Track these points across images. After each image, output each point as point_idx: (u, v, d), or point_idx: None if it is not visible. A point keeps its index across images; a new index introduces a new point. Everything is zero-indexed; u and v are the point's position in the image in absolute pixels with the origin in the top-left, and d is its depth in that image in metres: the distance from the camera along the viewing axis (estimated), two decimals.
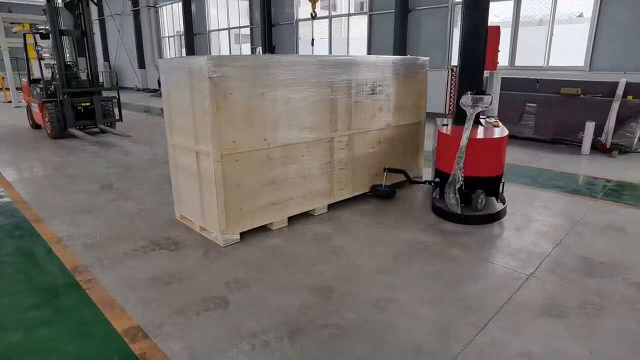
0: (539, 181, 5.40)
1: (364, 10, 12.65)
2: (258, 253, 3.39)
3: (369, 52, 12.55)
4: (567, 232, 3.78)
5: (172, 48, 22.20)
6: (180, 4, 19.54)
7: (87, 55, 8.59)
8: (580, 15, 9.49)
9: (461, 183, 3.95)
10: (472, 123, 4.03)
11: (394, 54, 11.55)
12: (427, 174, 5.49)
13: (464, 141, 3.89)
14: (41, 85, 8.69)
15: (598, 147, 6.97)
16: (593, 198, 4.74)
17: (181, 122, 3.66)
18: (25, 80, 9.81)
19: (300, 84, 3.73)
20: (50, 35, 8.24)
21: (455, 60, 10.66)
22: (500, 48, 4.62)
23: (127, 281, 2.96)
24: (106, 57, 25.57)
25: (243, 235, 3.62)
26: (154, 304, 2.68)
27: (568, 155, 6.83)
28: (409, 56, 5.07)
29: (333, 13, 13.76)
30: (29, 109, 9.74)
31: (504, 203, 4.23)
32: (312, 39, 13.42)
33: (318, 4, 9.83)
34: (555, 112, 7.42)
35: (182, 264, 3.21)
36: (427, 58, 5.07)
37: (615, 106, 6.81)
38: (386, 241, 3.59)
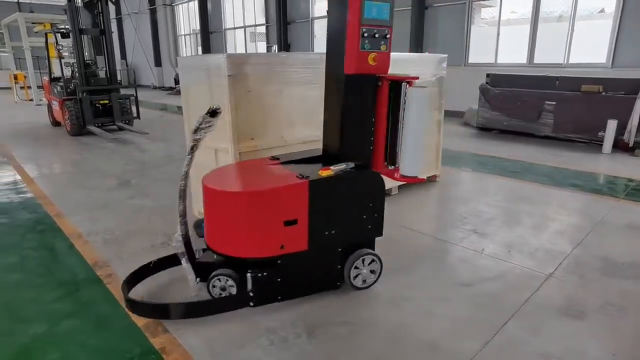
0: (557, 180, 5.31)
1: None
2: None
3: None
4: (587, 232, 3.71)
5: (189, 46, 22.42)
6: (196, 2, 19.70)
7: (105, 53, 8.74)
8: (602, 11, 9.29)
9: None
10: (193, 155, 2.59)
11: (409, 52, 11.47)
12: (445, 172, 5.45)
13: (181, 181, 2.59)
14: (61, 84, 8.88)
15: (620, 146, 6.82)
16: (615, 198, 4.64)
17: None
18: (46, 78, 10.03)
19: (316, 82, 3.71)
20: (70, 34, 8.39)
21: (472, 58, 10.59)
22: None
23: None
24: (123, 55, 25.95)
25: None
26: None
27: (588, 154, 6.69)
28: (427, 53, 5.02)
29: None
30: (49, 106, 9.96)
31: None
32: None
33: None
34: (574, 110, 7.27)
35: None
36: (446, 55, 5.02)
37: (639, 103, 6.64)
38: (404, 241, 3.57)
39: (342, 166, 2.59)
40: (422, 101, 2.57)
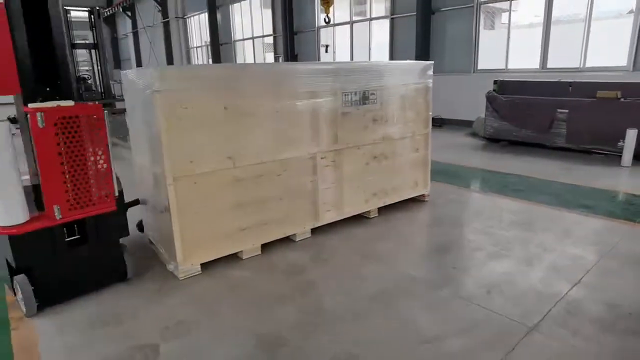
0: (565, 199, 4.69)
1: (386, 14, 12.13)
2: (216, 288, 2.98)
3: (391, 57, 12.00)
4: (590, 267, 3.13)
5: (200, 58, 22.50)
6: (206, 14, 19.73)
7: (98, 67, 8.61)
8: (631, 11, 8.53)
9: None
10: None
11: (415, 59, 10.94)
12: (436, 189, 4.91)
13: None
14: None
15: None
16: (630, 222, 4.01)
17: (140, 141, 3.34)
18: None
19: (271, 96, 3.32)
20: None
21: (481, 64, 9.99)
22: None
23: (62, 321, 2.62)
24: (139, 66, 26.32)
25: (207, 265, 3.23)
26: (75, 352, 2.33)
27: (604, 168, 6.01)
28: (409, 61, 4.56)
29: (355, 18, 13.31)
30: None
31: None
32: (326, 46, 13.07)
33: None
34: (590, 118, 6.60)
35: (131, 300, 2.85)
36: (431, 62, 4.51)
37: None
38: (369, 279, 3.08)
39: None
40: None
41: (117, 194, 2.82)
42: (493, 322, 2.49)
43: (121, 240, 3.05)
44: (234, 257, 3.38)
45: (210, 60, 20.64)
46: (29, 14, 2.62)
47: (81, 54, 10.13)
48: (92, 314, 2.69)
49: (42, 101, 2.59)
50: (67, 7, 7.97)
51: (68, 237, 2.76)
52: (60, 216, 2.58)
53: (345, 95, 3.78)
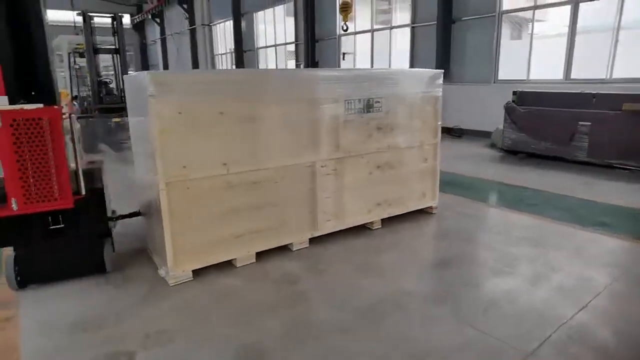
0: (581, 216, 4.45)
1: (403, 22, 12.02)
2: (205, 296, 2.93)
3: (412, 66, 11.86)
4: (601, 289, 2.92)
5: (225, 65, 22.86)
6: (231, 22, 20.07)
7: (118, 72, 8.82)
8: None
9: None
10: None
11: (435, 68, 10.76)
12: (446, 201, 4.75)
13: None
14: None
15: None
16: None
17: (138, 145, 3.35)
18: (67, 96, 10.33)
19: (269, 102, 3.27)
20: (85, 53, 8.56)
21: (502, 74, 9.74)
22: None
23: (46, 324, 2.62)
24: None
25: (200, 271, 3.19)
26: (54, 357, 2.31)
27: (628, 184, 5.70)
28: (417, 69, 4.44)
29: (376, 26, 13.25)
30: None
31: None
32: (343, 54, 13.03)
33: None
34: (614, 131, 6.29)
35: (117, 304, 2.83)
36: (441, 71, 4.39)
37: None
38: (362, 291, 2.97)
39: None
40: None
41: (83, 192, 2.94)
42: (486, 345, 2.34)
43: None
44: (228, 265, 3.33)
45: (234, 67, 20.94)
46: (13, 25, 2.75)
47: (106, 59, 10.36)
48: (77, 316, 2.68)
49: (23, 103, 2.68)
50: (91, 14, 8.23)
51: (53, 226, 2.93)
52: (17, 208, 2.72)
53: (348, 102, 3.70)
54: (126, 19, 29.75)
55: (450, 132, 10.59)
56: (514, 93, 7.69)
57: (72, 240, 3.04)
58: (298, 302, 2.84)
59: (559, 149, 6.95)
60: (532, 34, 9.24)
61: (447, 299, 2.84)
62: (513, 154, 7.68)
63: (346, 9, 9.22)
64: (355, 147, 3.84)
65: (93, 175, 3.25)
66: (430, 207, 4.60)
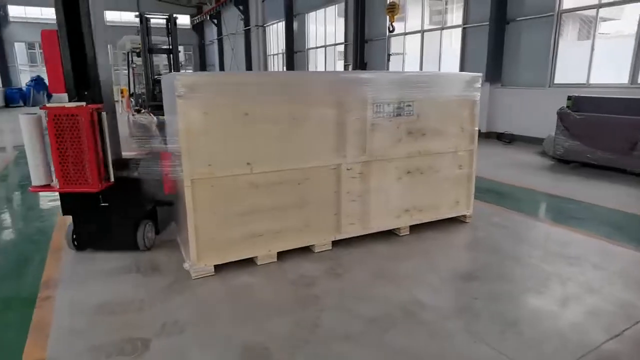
0: (631, 234, 4.09)
1: (456, 23, 11.63)
2: (223, 292, 3.02)
3: (462, 67, 11.45)
4: None
5: (276, 65, 23.33)
6: (284, 23, 20.45)
7: (172, 71, 9.29)
8: None
9: None
10: None
11: (486, 70, 10.34)
12: (482, 210, 4.56)
13: None
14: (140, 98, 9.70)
15: None
16: None
17: (171, 142, 3.50)
18: (127, 93, 11.05)
19: (294, 104, 3.31)
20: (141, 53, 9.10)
21: (560, 78, 9.16)
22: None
23: (77, 305, 2.83)
24: (221, 71, 28.03)
25: (222, 267, 3.29)
26: (78, 336, 2.49)
27: None
28: (453, 72, 4.29)
29: (427, 27, 12.93)
30: (128, 118, 10.91)
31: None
32: (389, 55, 12.82)
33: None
34: None
35: (142, 292, 2.99)
36: (479, 74, 4.21)
37: None
38: (375, 299, 2.92)
39: None
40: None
41: (111, 179, 3.32)
42: None
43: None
44: (249, 262, 3.41)
45: (285, 68, 21.32)
46: (71, 39, 3.25)
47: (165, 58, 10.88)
48: (104, 300, 2.87)
49: (76, 101, 3.10)
50: (147, 15, 8.73)
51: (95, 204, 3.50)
52: (58, 187, 3.22)
53: (377, 106, 3.65)
54: (186, 20, 31.22)
55: (500, 138, 10.13)
56: (569, 98, 7.21)
57: (110, 218, 3.54)
58: (309, 304, 2.84)
59: (617, 160, 6.42)
60: (594, 34, 8.59)
61: (464, 314, 2.73)
62: (565, 162, 7.20)
63: (393, 9, 9.08)
64: (383, 151, 3.79)
65: (128, 166, 3.47)
66: (464, 216, 4.42)
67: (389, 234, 4.03)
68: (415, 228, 4.13)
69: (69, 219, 3.63)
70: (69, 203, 3.50)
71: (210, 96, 3.00)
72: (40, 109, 3.22)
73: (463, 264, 3.55)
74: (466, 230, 4.26)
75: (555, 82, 9.22)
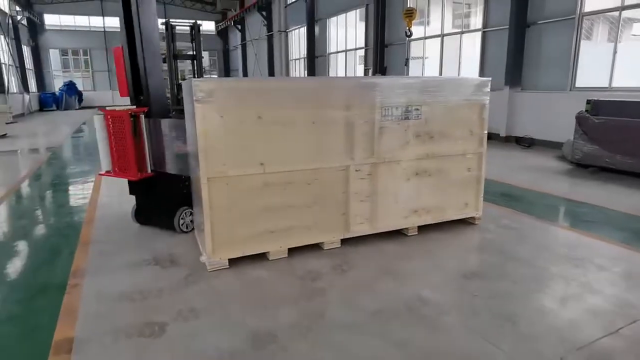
0: None
1: (477, 27, 11.61)
2: (235, 284, 3.22)
3: (481, 71, 11.43)
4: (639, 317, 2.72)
5: (298, 70, 23.65)
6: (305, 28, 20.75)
7: (194, 76, 9.63)
8: None
9: None
10: None
11: (505, 74, 10.31)
12: (494, 212, 4.62)
13: None
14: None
15: None
16: None
17: (191, 143, 3.74)
18: None
19: (305, 108, 3.49)
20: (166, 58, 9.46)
21: (579, 82, 9.05)
22: None
23: (102, 292, 3.08)
24: (245, 76, 28.58)
25: (235, 261, 3.50)
26: (102, 319, 2.73)
27: None
28: (462, 76, 4.39)
29: (446, 31, 12.94)
30: None
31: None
32: (406, 59, 12.88)
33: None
34: None
35: (161, 282, 3.22)
36: (489, 79, 4.29)
37: None
38: (379, 294, 3.06)
39: None
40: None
41: (148, 171, 4.12)
42: (490, 358, 2.33)
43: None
44: (261, 257, 3.60)
45: (306, 72, 21.61)
46: (131, 54, 4.10)
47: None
48: (127, 288, 3.11)
49: (135, 105, 4.19)
50: (172, 22, 9.10)
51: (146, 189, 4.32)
52: (113, 174, 4.15)
53: (385, 109, 3.79)
54: (211, 26, 31.99)
55: (519, 142, 10.06)
56: (588, 102, 7.15)
57: (159, 202, 4.28)
58: (314, 297, 3.01)
59: (637, 164, 6.33)
60: (617, 37, 8.47)
61: (463, 310, 2.83)
62: (583, 167, 7.14)
63: (410, 14, 9.17)
64: (391, 153, 3.92)
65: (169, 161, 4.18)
66: (473, 218, 4.50)
67: (397, 234, 4.15)
68: (423, 228, 4.24)
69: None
70: (133, 186, 4.34)
71: (226, 100, 3.22)
72: (99, 110, 4.16)
73: (467, 264, 3.64)
74: (474, 231, 4.34)
75: (577, 85, 9.12)
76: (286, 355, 2.36)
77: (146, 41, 4.03)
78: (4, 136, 12.81)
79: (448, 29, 12.88)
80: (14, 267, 3.70)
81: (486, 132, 4.38)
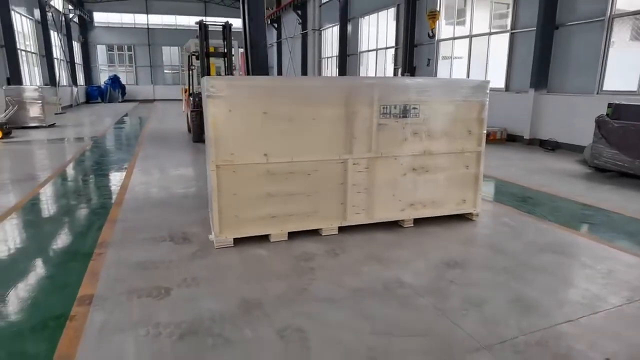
0: (639, 241, 4.14)
1: (507, 28, 11.51)
2: (237, 260, 3.61)
3: (508, 73, 11.34)
4: (602, 310, 2.88)
5: (329, 69, 23.96)
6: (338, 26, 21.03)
7: (225, 73, 10.17)
8: None
9: None
10: None
11: (531, 76, 10.22)
12: (497, 211, 4.79)
13: None
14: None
15: None
16: None
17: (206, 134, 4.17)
18: (186, 93, 12.17)
19: (307, 105, 3.82)
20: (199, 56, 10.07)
21: (607, 85, 8.87)
22: None
23: (121, 261, 3.55)
24: (279, 73, 29.21)
25: (239, 241, 3.89)
26: (119, 282, 3.18)
27: None
28: (460, 78, 4.58)
29: (480, 31, 12.86)
30: (187, 116, 12.01)
31: None
32: (428, 60, 12.88)
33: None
34: None
35: (172, 256, 3.66)
36: (488, 80, 4.46)
37: None
38: (362, 275, 3.36)
39: None
40: None
41: None
42: (450, 335, 2.58)
43: None
44: (264, 239, 3.97)
45: (337, 71, 21.89)
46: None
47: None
48: (142, 259, 3.56)
49: None
50: (206, 22, 9.65)
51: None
52: None
53: (383, 107, 4.07)
54: None
55: (543, 145, 9.95)
56: (609, 106, 7.07)
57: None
58: (304, 274, 3.34)
59: None
60: None
61: (437, 293, 3.08)
62: (602, 171, 7.07)
63: (433, 16, 9.28)
64: (389, 149, 4.19)
65: None
66: (470, 214, 4.69)
67: (393, 225, 4.41)
68: (420, 221, 4.47)
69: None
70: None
71: (234, 96, 3.60)
72: None
73: (452, 254, 3.85)
74: (469, 227, 4.53)
75: (604, 88, 8.94)
76: (268, 319, 2.71)
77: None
78: (53, 125, 13.92)
79: (485, 28, 12.73)
80: (53, 237, 4.25)
81: (485, 131, 4.56)
